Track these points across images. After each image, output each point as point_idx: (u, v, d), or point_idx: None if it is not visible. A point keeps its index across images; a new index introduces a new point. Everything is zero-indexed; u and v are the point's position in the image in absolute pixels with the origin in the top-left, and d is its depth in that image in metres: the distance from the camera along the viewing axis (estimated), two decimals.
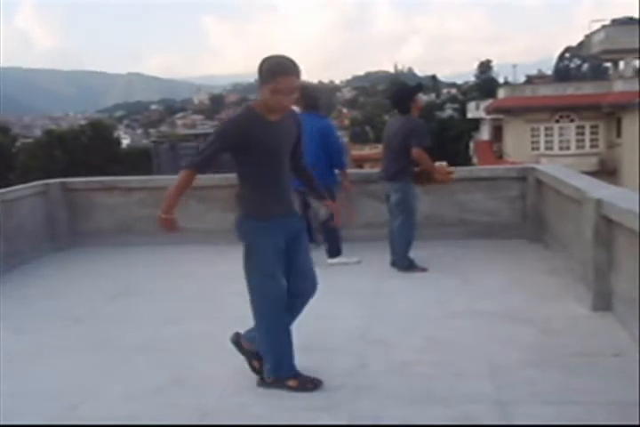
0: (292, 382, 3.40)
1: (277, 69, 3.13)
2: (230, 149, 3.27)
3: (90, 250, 7.07)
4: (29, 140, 51.51)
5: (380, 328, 4.34)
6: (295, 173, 3.61)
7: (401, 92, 6.01)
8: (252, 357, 3.57)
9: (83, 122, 59.38)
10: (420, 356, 3.82)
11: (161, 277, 5.98)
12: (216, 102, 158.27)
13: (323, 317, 4.60)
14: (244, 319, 4.59)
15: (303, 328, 4.34)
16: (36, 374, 3.81)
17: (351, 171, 7.52)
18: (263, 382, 3.47)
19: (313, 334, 4.25)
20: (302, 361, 3.75)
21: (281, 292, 3.39)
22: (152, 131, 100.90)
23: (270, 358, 3.43)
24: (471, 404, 3.17)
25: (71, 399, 3.43)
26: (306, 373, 3.50)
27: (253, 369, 3.55)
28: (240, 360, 3.80)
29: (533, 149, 29.78)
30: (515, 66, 58.34)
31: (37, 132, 71.01)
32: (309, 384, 3.41)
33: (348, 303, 4.90)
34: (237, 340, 3.62)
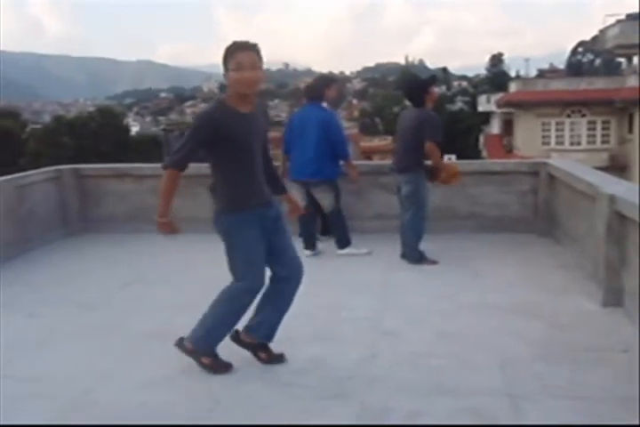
0: (205, 360, 3.52)
1: (234, 47, 3.24)
2: (205, 142, 3.30)
3: (101, 237, 7.11)
4: (39, 126, 51.60)
5: (391, 320, 4.36)
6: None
7: (415, 84, 5.98)
8: (257, 349, 3.63)
9: (92, 109, 59.39)
10: (431, 348, 3.84)
11: (172, 264, 6.02)
12: (225, 91, 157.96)
13: (333, 307, 4.64)
14: (251, 305, 4.63)
15: (314, 318, 4.40)
16: (50, 359, 3.84)
17: (362, 162, 7.54)
18: (181, 344, 3.58)
19: (324, 324, 4.29)
20: (313, 351, 3.79)
21: (259, 284, 3.45)
22: (161, 118, 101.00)
23: (206, 330, 3.50)
24: (481, 396, 3.19)
25: (85, 385, 3.46)
26: (315, 362, 3.54)
27: (260, 360, 3.62)
28: None
29: (544, 143, 29.64)
30: (527, 59, 57.99)
31: (47, 118, 71.14)
32: (220, 367, 3.52)
33: (358, 294, 4.92)
34: (237, 336, 3.66)
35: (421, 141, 5.54)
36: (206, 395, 3.29)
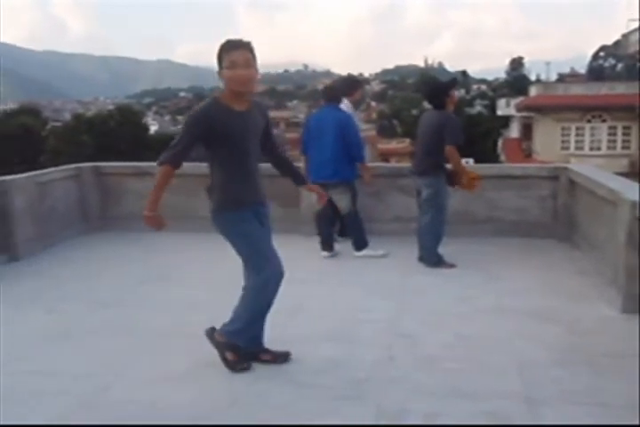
0: (230, 355, 3.53)
1: (227, 46, 3.29)
2: (200, 139, 3.34)
3: (119, 234, 7.16)
4: (59, 124, 52.06)
5: (408, 322, 4.35)
6: (272, 161, 3.73)
7: (436, 86, 5.97)
8: (225, 348, 3.59)
9: (111, 107, 59.84)
10: (448, 351, 3.82)
11: (189, 263, 6.05)
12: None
13: (350, 308, 4.65)
14: (273, 306, 4.64)
15: (331, 319, 4.41)
16: (67, 355, 3.87)
17: (381, 164, 7.54)
18: (211, 335, 3.59)
19: (341, 325, 4.29)
20: (330, 351, 3.80)
21: (280, 269, 3.49)
22: (180, 118, 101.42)
23: (242, 325, 3.50)
24: (499, 400, 3.18)
25: (101, 380, 3.49)
26: (332, 363, 3.54)
27: (225, 361, 3.56)
28: (268, 346, 3.85)
29: (563, 148, 29.41)
30: (548, 63, 57.62)
31: (67, 116, 71.72)
32: (242, 365, 3.52)
33: (375, 297, 4.92)
34: (212, 333, 3.67)
35: (441, 144, 5.52)
36: (223, 393, 3.31)
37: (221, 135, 3.31)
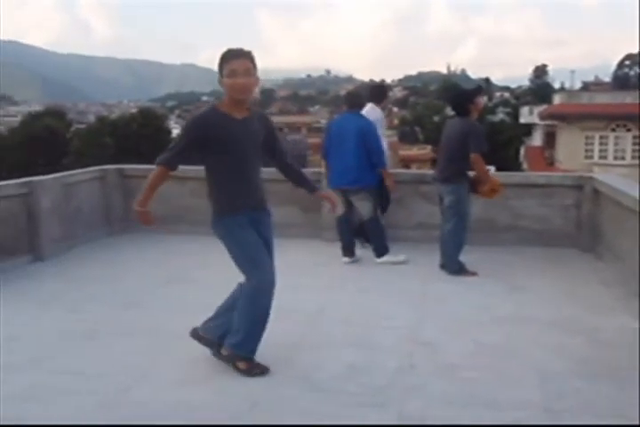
0: (241, 365, 3.54)
1: (228, 55, 3.36)
2: (196, 144, 3.41)
3: (142, 236, 7.21)
4: (83, 126, 52.61)
5: (429, 330, 4.34)
6: (281, 170, 3.77)
7: (461, 93, 5.97)
8: (234, 360, 3.60)
9: (135, 110, 60.38)
10: (468, 359, 3.81)
11: (210, 265, 6.07)
12: (266, 96, 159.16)
13: (371, 315, 4.65)
14: (291, 310, 4.66)
15: (352, 325, 4.41)
16: (90, 355, 3.91)
17: (404, 171, 7.54)
18: (218, 353, 3.63)
19: (362, 331, 4.29)
20: (351, 357, 3.80)
21: (270, 277, 3.50)
22: None
23: (242, 335, 3.53)
24: (520, 410, 3.16)
25: (123, 381, 3.52)
26: (354, 369, 3.54)
27: (238, 370, 3.57)
28: (288, 351, 3.87)
29: (587, 157, 29.16)
30: (573, 71, 57.26)
31: (91, 119, 72.47)
32: (257, 370, 3.53)
33: (396, 304, 4.91)
34: (196, 334, 3.75)
35: (465, 152, 5.51)
36: (244, 396, 3.32)
37: (218, 141, 3.39)
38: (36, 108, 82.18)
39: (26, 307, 4.85)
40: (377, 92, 6.91)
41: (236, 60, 3.34)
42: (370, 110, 6.54)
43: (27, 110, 76.08)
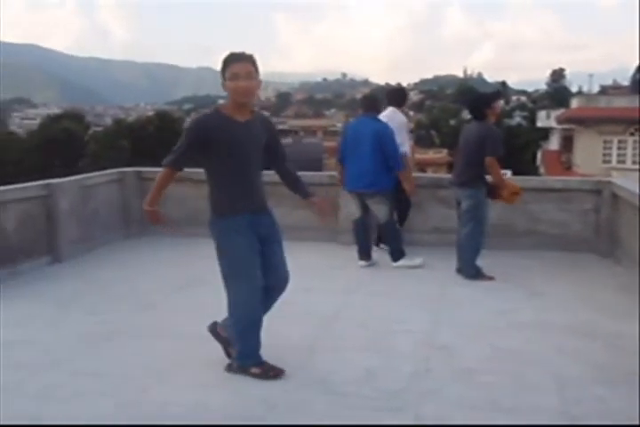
0: (255, 370, 3.57)
1: (229, 58, 3.39)
2: (197, 145, 3.44)
3: (159, 239, 7.25)
4: (100, 129, 53.05)
5: (445, 334, 4.32)
6: (279, 173, 3.79)
7: (478, 97, 5.96)
8: (228, 344, 3.72)
9: (151, 113, 60.73)
10: (486, 364, 3.79)
11: None
12: (282, 99, 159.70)
13: (387, 319, 4.64)
14: (306, 314, 4.67)
15: (368, 329, 4.40)
16: (108, 357, 3.94)
17: (421, 175, 7.52)
18: (230, 368, 3.65)
19: (378, 335, 4.29)
20: (367, 361, 3.80)
21: (254, 285, 3.50)
22: None
23: (239, 346, 3.59)
24: (538, 416, 3.13)
25: (141, 383, 3.54)
26: (370, 373, 3.54)
27: (228, 356, 3.71)
28: (304, 354, 3.87)
29: (605, 161, 28.94)
30: (591, 75, 56.92)
31: (108, 121, 73.05)
32: (271, 372, 3.56)
33: (413, 308, 4.90)
34: (214, 328, 3.79)
35: (482, 156, 5.50)
36: (261, 399, 3.32)
37: (219, 143, 3.41)
38: (55, 110, 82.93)
39: (45, 308, 4.89)
40: (397, 95, 6.89)
41: (238, 64, 3.37)
42: (392, 114, 6.53)
43: (45, 113, 76.78)
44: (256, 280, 3.51)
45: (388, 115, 6.49)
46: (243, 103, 3.45)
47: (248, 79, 3.38)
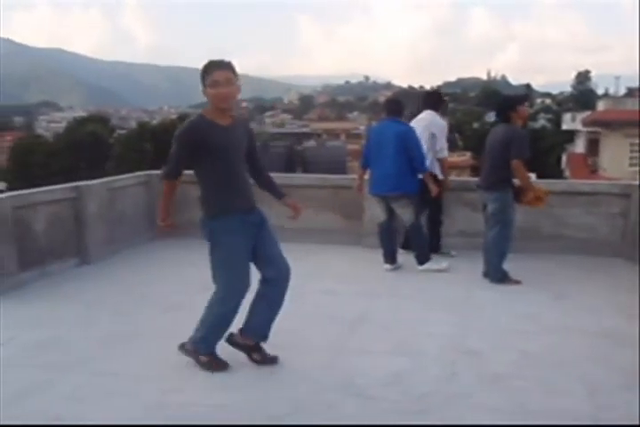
0: (204, 358, 3.76)
1: (210, 66, 3.50)
2: (190, 150, 3.53)
3: (183, 241, 7.27)
4: (124, 132, 53.57)
5: (472, 338, 4.30)
6: (253, 174, 3.88)
7: (504, 100, 5.92)
8: (251, 350, 3.82)
9: (174, 116, 61.18)
10: (513, 369, 3.77)
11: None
12: (305, 102, 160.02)
13: (413, 322, 4.63)
14: (332, 316, 4.67)
15: (394, 332, 4.40)
16: (133, 357, 3.98)
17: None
18: (183, 347, 3.86)
19: (404, 338, 4.28)
20: (393, 364, 3.79)
21: (242, 286, 3.66)
22: None
23: (203, 333, 3.75)
24: (569, 421, 3.10)
25: (165, 384, 3.56)
26: (396, 376, 3.54)
27: (254, 361, 3.81)
28: (329, 356, 3.87)
29: (631, 164, 28.58)
30: (618, 77, 56.24)
31: (133, 124, 73.72)
32: (215, 365, 3.74)
33: (439, 311, 4.89)
34: (232, 339, 3.86)
35: (508, 159, 5.46)
36: (287, 400, 3.33)
37: (207, 148, 3.52)
38: (81, 113, 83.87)
39: (73, 309, 4.95)
40: (434, 99, 6.81)
41: (218, 71, 3.47)
42: (431, 117, 6.49)
43: (71, 116, 77.72)
44: (245, 280, 3.66)
45: (427, 118, 6.45)
46: (223, 108, 3.57)
47: (228, 85, 3.48)
